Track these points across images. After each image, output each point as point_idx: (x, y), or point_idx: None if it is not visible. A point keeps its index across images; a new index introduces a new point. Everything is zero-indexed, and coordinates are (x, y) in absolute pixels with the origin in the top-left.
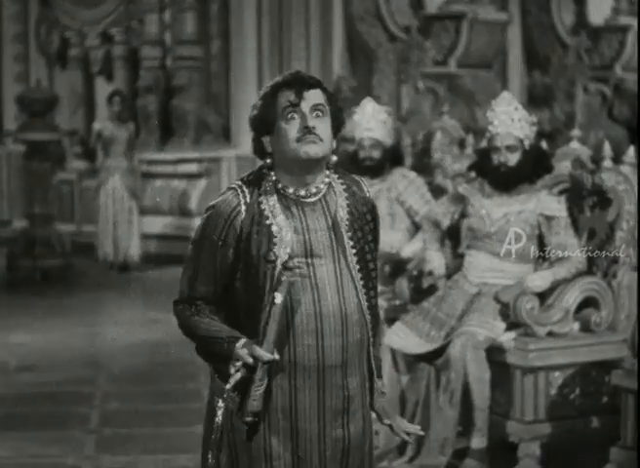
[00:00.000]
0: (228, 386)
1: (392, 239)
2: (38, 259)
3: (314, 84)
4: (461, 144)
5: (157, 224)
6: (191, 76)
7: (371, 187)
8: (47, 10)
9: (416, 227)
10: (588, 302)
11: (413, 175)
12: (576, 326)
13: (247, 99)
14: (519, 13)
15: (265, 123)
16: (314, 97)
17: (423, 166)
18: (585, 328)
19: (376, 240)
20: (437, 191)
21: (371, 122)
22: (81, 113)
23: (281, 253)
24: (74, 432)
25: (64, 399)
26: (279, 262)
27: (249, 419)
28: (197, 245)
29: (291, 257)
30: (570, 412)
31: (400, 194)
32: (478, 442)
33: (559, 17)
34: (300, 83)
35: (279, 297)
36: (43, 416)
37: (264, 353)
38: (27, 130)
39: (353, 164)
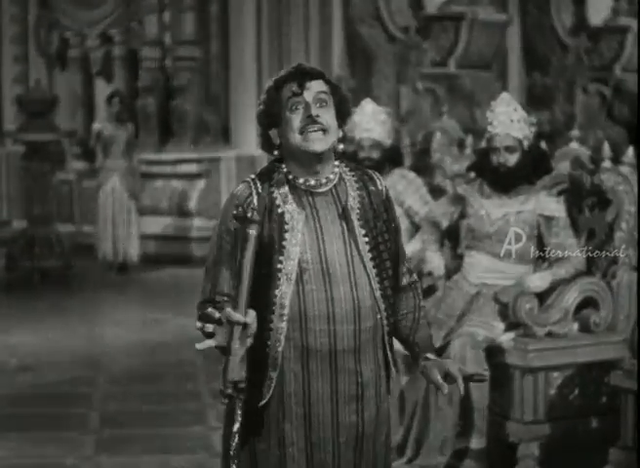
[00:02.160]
0: (200, 346)
1: None
2: (37, 260)
3: (316, 75)
4: (461, 145)
5: (156, 225)
6: (191, 77)
7: None
8: (46, 11)
9: (415, 228)
10: (588, 303)
11: (412, 175)
12: (575, 326)
13: (246, 100)
14: (518, 13)
15: (271, 115)
16: (317, 86)
17: (423, 166)
18: (585, 328)
19: (391, 233)
20: (436, 192)
21: (370, 122)
22: (80, 114)
23: (300, 221)
24: (73, 432)
25: (64, 399)
26: (243, 217)
27: (228, 391)
28: (218, 239)
29: (254, 209)
30: (569, 413)
31: (399, 194)
32: (477, 442)
33: (558, 17)
34: (303, 74)
35: (248, 252)
36: (42, 417)
37: (234, 313)
38: (27, 130)
39: None
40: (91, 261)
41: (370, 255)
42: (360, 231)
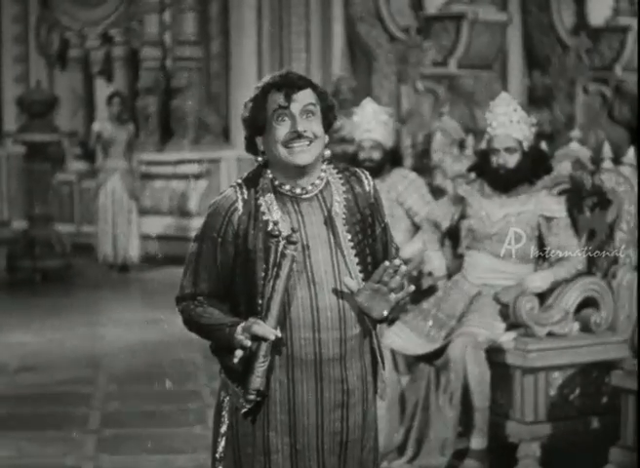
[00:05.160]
0: (234, 363)
1: None
2: (38, 260)
3: (303, 85)
4: (461, 145)
5: (157, 225)
6: (191, 77)
7: None
8: (47, 11)
9: (416, 228)
10: (588, 303)
11: (413, 175)
12: (575, 326)
13: None
14: (519, 13)
15: (257, 124)
16: (304, 97)
17: (423, 166)
18: (585, 328)
19: (378, 234)
20: (437, 192)
21: (371, 123)
22: (81, 114)
23: (285, 228)
24: (74, 432)
25: (64, 399)
26: (282, 236)
27: (252, 397)
28: (199, 242)
29: (294, 231)
30: (570, 413)
31: (400, 195)
32: (478, 442)
33: (559, 17)
34: (290, 85)
35: (285, 270)
36: (43, 417)
37: (267, 329)
38: (27, 131)
39: (353, 165)
40: (91, 261)
41: (356, 260)
42: (346, 236)
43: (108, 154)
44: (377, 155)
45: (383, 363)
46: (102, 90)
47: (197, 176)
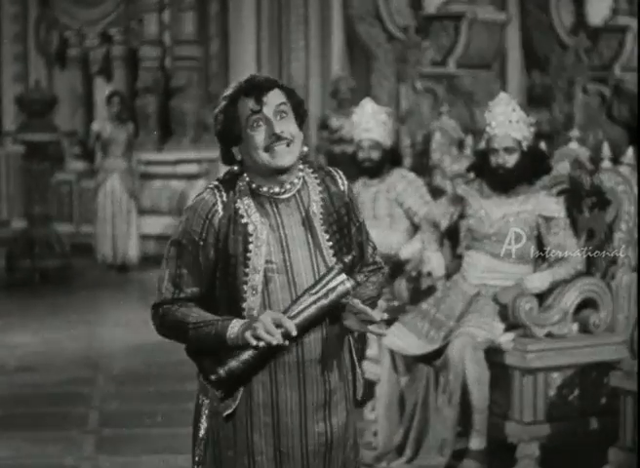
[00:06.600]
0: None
1: (391, 240)
2: (37, 260)
3: (271, 85)
4: (461, 145)
5: (156, 225)
6: (190, 76)
7: (370, 188)
8: (46, 10)
9: (415, 228)
10: (587, 303)
11: (412, 175)
12: (574, 327)
13: None
14: (518, 13)
15: (232, 135)
16: (274, 98)
17: (422, 166)
18: (584, 329)
19: (354, 233)
20: (436, 192)
21: (370, 123)
22: (80, 114)
23: (264, 230)
24: (73, 432)
25: (63, 399)
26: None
27: (221, 373)
28: (179, 245)
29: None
30: (569, 413)
31: (399, 195)
32: (477, 442)
33: (558, 17)
34: (258, 88)
35: (332, 297)
36: (42, 417)
37: (272, 335)
38: (26, 130)
39: (352, 165)
40: (90, 261)
41: (334, 261)
42: (324, 237)
43: (108, 154)
44: (376, 155)
45: (360, 361)
46: (102, 89)
47: (196, 176)
